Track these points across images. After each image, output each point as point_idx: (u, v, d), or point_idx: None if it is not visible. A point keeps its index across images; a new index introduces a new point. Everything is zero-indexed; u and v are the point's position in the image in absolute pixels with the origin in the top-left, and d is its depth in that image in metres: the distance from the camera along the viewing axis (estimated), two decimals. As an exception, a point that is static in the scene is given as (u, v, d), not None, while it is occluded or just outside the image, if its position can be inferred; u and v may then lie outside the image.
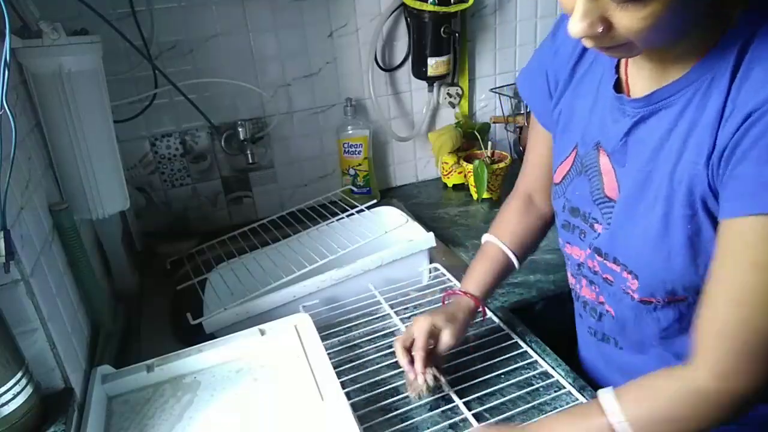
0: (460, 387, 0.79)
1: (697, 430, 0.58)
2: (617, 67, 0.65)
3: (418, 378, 0.75)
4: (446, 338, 0.77)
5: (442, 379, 0.78)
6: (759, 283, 0.52)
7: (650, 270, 0.63)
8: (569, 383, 0.78)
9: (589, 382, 0.80)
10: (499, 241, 0.86)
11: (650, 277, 0.63)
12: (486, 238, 0.89)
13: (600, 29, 0.50)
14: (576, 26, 0.50)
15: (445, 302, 0.85)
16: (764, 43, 0.51)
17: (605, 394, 0.61)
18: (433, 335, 0.76)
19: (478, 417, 0.74)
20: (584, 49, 0.70)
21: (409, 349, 0.76)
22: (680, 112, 0.57)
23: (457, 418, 0.74)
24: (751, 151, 0.50)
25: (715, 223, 0.56)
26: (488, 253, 0.87)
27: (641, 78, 0.62)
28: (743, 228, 0.52)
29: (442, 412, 0.76)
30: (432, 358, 0.77)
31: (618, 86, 0.65)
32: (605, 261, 0.68)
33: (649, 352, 0.72)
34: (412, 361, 0.75)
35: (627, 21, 0.49)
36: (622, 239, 0.65)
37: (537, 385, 0.79)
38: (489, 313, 0.87)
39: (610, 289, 0.70)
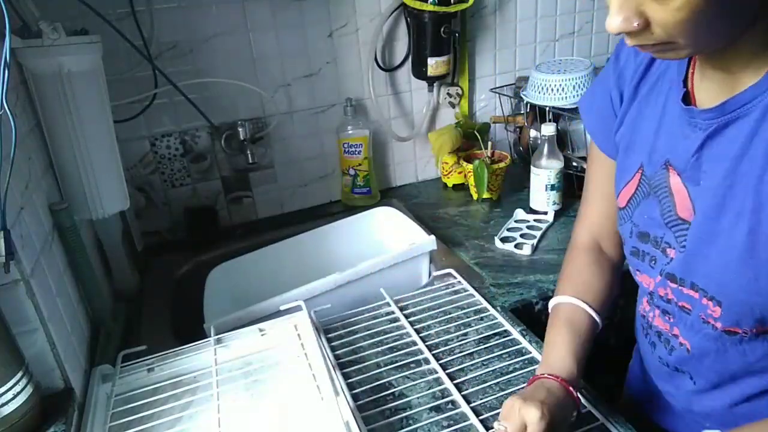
0: (461, 387, 0.79)
1: None
2: (685, 81, 0.61)
3: None
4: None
5: None
6: None
7: (735, 294, 0.57)
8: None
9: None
10: (580, 301, 0.73)
11: (735, 303, 0.58)
12: (559, 299, 0.75)
13: (636, 24, 0.49)
14: (612, 21, 0.49)
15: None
16: None
17: None
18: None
19: (479, 416, 0.74)
20: (647, 68, 0.67)
21: None
22: (761, 117, 0.53)
23: (458, 418, 0.74)
24: None
25: None
26: (569, 317, 0.73)
27: (709, 89, 0.58)
28: None
29: (444, 413, 0.76)
30: None
31: (687, 100, 0.61)
32: (681, 287, 0.63)
33: (728, 388, 0.67)
34: None
35: (662, 14, 0.47)
36: (700, 262, 0.60)
37: (537, 385, 0.79)
38: (582, 400, 0.71)
39: (688, 318, 0.64)
